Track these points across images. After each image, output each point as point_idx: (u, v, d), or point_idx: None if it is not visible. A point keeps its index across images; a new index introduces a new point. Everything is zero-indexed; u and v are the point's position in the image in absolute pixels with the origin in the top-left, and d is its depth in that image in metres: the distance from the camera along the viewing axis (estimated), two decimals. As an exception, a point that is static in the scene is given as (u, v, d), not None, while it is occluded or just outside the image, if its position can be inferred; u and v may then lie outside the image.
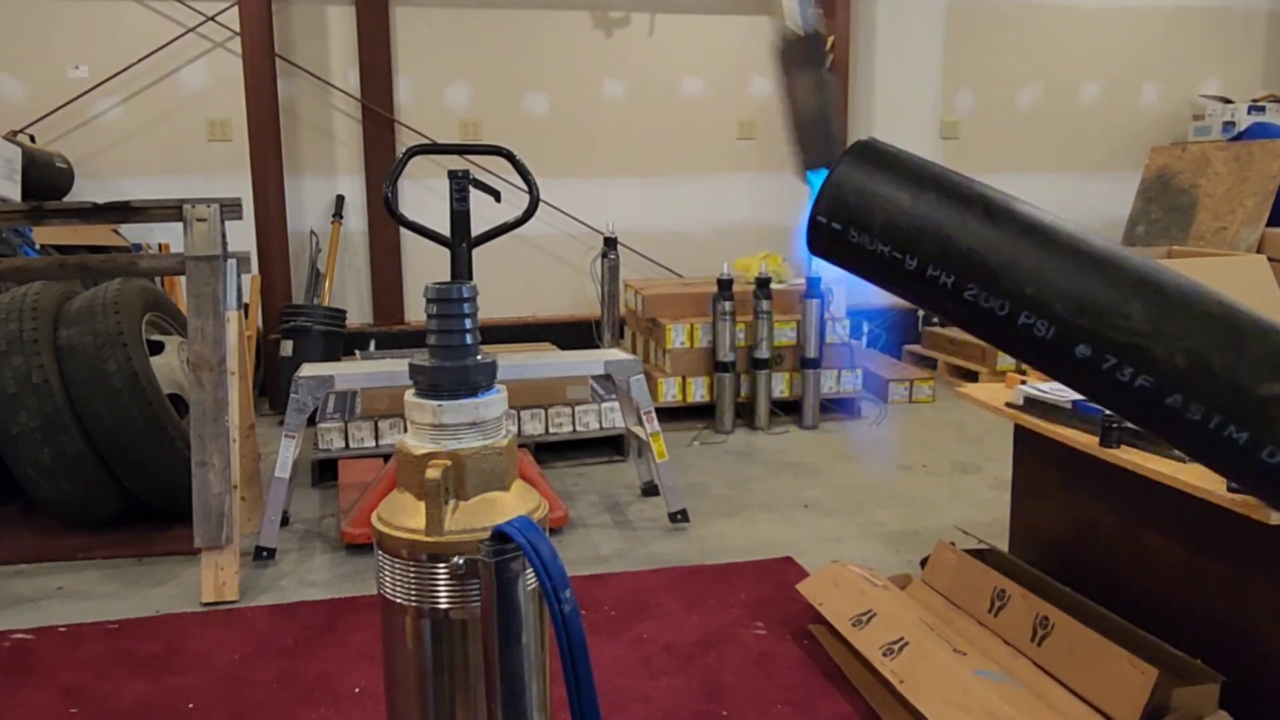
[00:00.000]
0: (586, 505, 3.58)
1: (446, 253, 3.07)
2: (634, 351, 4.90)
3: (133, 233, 4.92)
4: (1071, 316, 0.76)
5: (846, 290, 4.78)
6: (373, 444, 3.87)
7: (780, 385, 4.70)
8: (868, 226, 0.82)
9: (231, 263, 3.03)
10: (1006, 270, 0.78)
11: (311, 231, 5.40)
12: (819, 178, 1.00)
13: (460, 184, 3.02)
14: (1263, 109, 5.98)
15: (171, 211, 2.96)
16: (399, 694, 1.12)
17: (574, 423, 4.07)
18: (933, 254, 0.80)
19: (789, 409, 4.73)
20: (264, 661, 2.43)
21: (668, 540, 3.22)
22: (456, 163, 4.13)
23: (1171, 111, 6.42)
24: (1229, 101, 6.19)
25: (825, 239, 0.84)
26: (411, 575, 1.06)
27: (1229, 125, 5.97)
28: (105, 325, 3.05)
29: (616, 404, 3.99)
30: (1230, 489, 1.79)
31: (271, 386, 4.95)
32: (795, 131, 1.03)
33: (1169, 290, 0.76)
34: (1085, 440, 2.19)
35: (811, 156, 1.02)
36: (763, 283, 4.50)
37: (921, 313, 5.69)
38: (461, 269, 3.05)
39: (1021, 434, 2.65)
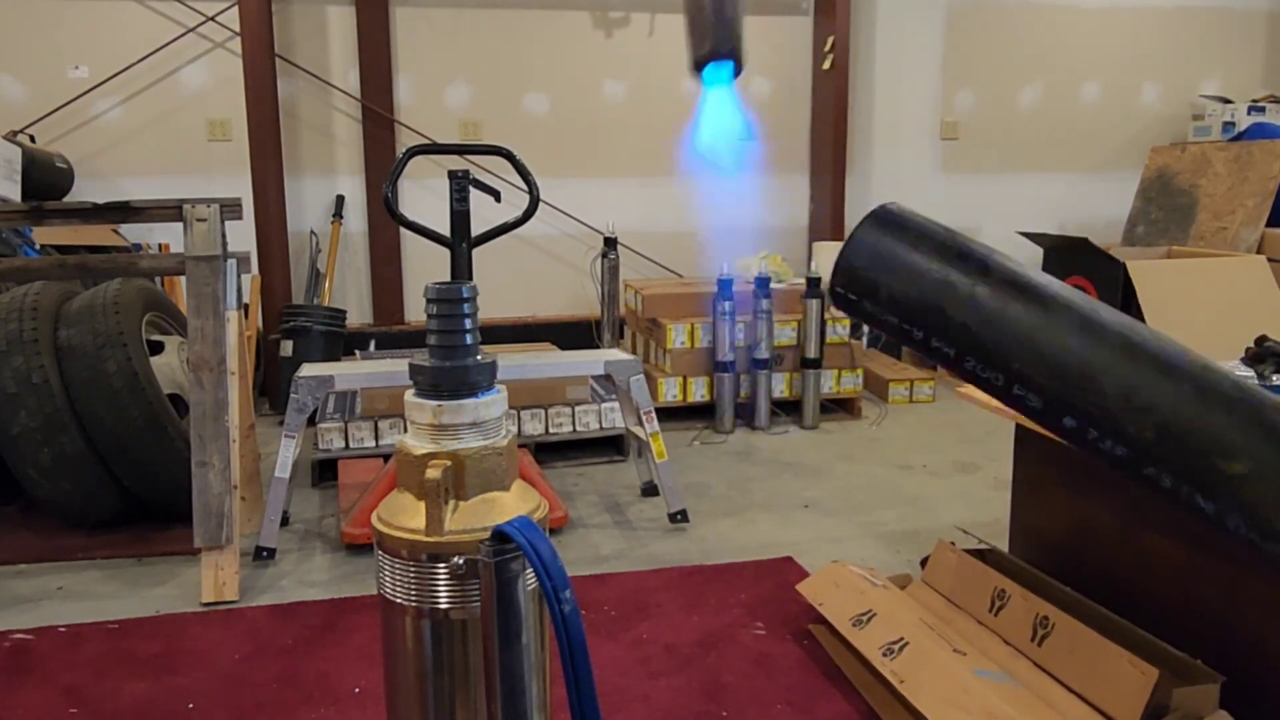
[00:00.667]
0: (586, 505, 3.58)
1: (446, 253, 3.07)
2: (634, 351, 4.90)
3: (133, 233, 4.91)
4: (1055, 391, 0.80)
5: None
6: (373, 444, 3.87)
7: (780, 385, 4.70)
8: (876, 299, 0.87)
9: (231, 263, 3.03)
10: (996, 346, 0.82)
11: (311, 231, 5.40)
12: (713, 72, 0.97)
13: (460, 184, 3.02)
14: (1263, 109, 5.97)
15: (171, 211, 2.96)
16: (399, 694, 1.12)
17: (574, 423, 4.07)
18: (933, 327, 0.84)
19: (789, 409, 4.73)
20: (264, 661, 2.43)
21: (668, 540, 3.22)
22: (456, 163, 4.13)
23: (1171, 111, 6.42)
24: (1229, 101, 6.19)
25: (846, 304, 0.91)
26: (411, 575, 1.06)
27: (1229, 125, 5.96)
28: (105, 325, 3.05)
29: (616, 404, 3.99)
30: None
31: (271, 386, 4.95)
32: (688, 17, 0.99)
33: (1142, 362, 0.79)
34: (1085, 440, 2.19)
35: (701, 45, 0.97)
36: (763, 283, 4.50)
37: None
38: (461, 269, 3.06)
39: (1021, 434, 2.65)
